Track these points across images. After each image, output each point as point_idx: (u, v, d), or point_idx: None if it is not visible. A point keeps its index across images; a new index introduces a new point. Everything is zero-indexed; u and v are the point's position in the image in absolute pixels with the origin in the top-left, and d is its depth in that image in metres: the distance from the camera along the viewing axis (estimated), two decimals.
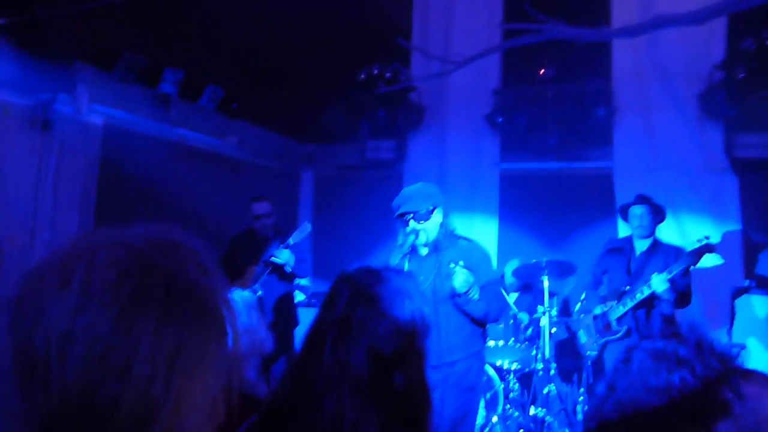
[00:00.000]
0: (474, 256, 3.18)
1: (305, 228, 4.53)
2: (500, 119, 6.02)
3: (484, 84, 6.22)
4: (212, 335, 0.65)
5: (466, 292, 3.00)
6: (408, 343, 1.36)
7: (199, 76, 5.76)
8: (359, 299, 1.37)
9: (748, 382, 1.55)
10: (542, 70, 5.86)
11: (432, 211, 3.17)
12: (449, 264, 3.03)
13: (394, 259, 3.18)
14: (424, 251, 3.19)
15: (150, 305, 0.61)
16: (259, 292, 4.45)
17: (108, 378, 0.58)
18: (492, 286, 3.18)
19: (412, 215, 3.14)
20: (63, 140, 4.80)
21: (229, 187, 6.47)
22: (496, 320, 3.22)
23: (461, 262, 3.01)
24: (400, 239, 3.18)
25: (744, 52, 5.03)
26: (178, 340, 0.61)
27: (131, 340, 0.59)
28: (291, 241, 4.44)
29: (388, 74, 6.26)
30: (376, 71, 6.36)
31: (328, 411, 1.25)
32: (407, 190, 3.31)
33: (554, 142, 5.84)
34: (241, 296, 2.47)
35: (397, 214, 3.18)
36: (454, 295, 3.06)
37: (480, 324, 3.22)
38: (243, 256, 4.72)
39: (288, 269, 4.51)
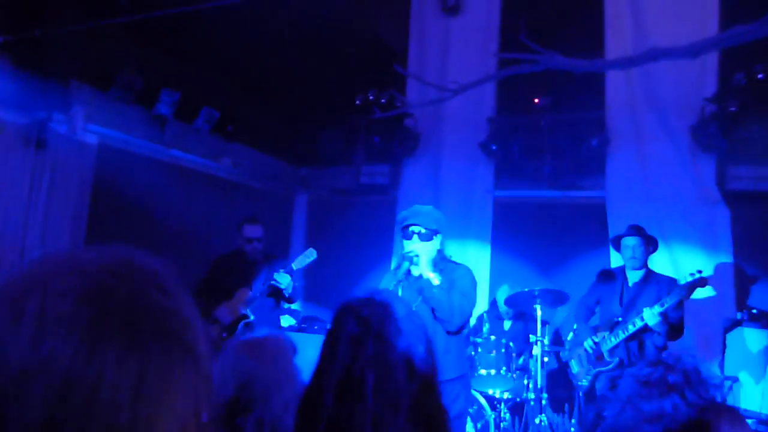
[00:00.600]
0: (457, 272, 3.26)
1: (310, 254, 4.44)
2: (494, 147, 6.05)
3: (479, 112, 6.26)
4: (177, 359, 0.62)
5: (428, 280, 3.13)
6: (428, 376, 1.35)
7: (195, 97, 5.78)
8: (384, 337, 1.35)
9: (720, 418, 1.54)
10: (537, 100, 5.91)
11: (435, 233, 3.23)
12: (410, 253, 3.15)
13: (389, 284, 3.19)
14: (416, 272, 3.20)
15: (110, 333, 0.58)
16: (251, 317, 4.40)
17: (71, 414, 0.55)
18: (464, 289, 3.20)
19: (417, 231, 3.18)
20: (57, 159, 4.79)
21: (223, 209, 6.46)
22: (457, 324, 3.17)
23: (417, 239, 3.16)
24: (395, 262, 3.21)
25: (735, 86, 5.10)
26: (142, 367, 0.58)
27: (93, 372, 0.56)
28: (294, 266, 4.35)
29: (383, 100, 6.29)
30: (372, 97, 6.39)
31: None
32: (420, 206, 3.38)
33: (548, 171, 5.87)
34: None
35: (403, 225, 3.20)
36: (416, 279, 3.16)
37: (451, 332, 3.21)
38: (229, 278, 4.63)
39: (287, 294, 4.46)
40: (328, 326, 1.44)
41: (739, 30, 3.49)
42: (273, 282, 4.33)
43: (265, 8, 5.21)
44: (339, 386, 1.30)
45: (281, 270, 4.33)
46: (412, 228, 3.20)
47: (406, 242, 3.21)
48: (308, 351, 5.53)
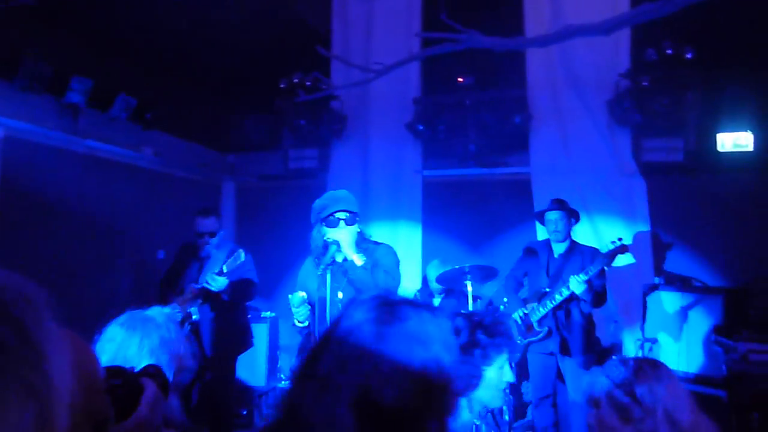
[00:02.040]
0: (378, 251, 3.30)
1: (238, 256, 4.25)
2: (421, 127, 6.09)
3: (405, 92, 6.28)
4: (14, 401, 0.56)
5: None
6: (418, 398, 1.18)
7: (109, 84, 5.50)
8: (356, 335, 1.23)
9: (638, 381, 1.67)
10: (461, 79, 5.98)
11: (357, 216, 3.26)
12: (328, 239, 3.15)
13: (308, 266, 3.18)
14: (339, 258, 3.20)
15: None
16: (195, 316, 4.26)
17: None
18: (387, 267, 3.23)
19: (343, 217, 3.18)
20: None
21: (147, 200, 6.24)
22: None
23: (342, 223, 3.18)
24: (317, 242, 3.18)
25: (647, 62, 5.31)
26: None
27: None
28: (225, 268, 4.20)
29: (308, 83, 6.20)
30: (296, 80, 6.29)
31: None
32: (335, 192, 3.37)
33: (474, 149, 5.96)
34: (160, 312, 2.33)
35: (325, 213, 3.17)
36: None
37: None
38: (184, 270, 4.54)
39: (226, 297, 4.32)
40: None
41: (648, 7, 3.63)
42: (206, 285, 4.21)
43: None
44: (320, 384, 1.20)
45: (214, 273, 4.20)
46: (337, 215, 3.18)
47: (330, 230, 3.19)
48: None
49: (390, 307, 1.23)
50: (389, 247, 3.40)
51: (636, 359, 1.77)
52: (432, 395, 1.19)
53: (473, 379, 1.92)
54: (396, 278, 3.29)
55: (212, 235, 4.56)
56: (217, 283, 4.17)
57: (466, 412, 1.97)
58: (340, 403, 1.14)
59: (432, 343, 1.20)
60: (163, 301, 4.36)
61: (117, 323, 2.00)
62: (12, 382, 0.57)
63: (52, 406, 0.59)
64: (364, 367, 1.16)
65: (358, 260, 3.19)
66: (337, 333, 1.23)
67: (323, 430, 1.14)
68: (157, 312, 2.21)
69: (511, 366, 2.14)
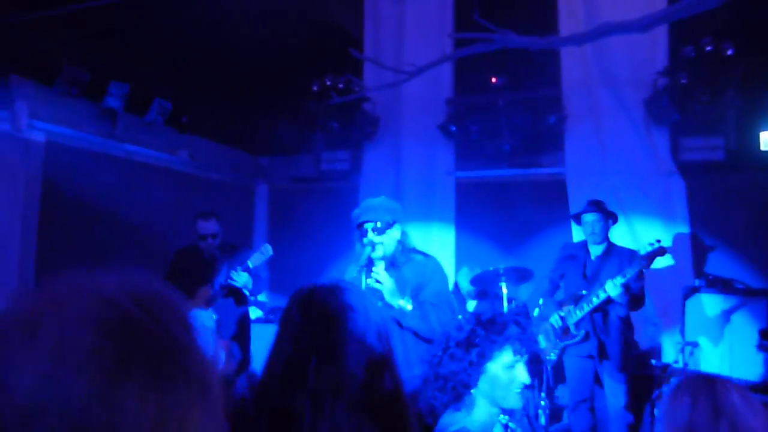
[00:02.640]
0: (427, 270, 3.13)
1: (266, 251, 4.30)
2: (454, 128, 6.05)
3: (437, 93, 6.25)
4: (195, 401, 0.57)
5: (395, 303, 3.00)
6: (377, 362, 1.34)
7: (145, 89, 5.61)
8: (327, 322, 1.34)
9: None
10: (494, 79, 5.92)
11: (391, 225, 3.11)
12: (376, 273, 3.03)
13: (351, 273, 3.14)
14: (378, 286, 3.06)
15: (135, 371, 0.52)
16: (214, 316, 4.31)
17: None
18: (437, 300, 3.06)
19: (371, 227, 3.08)
20: (1, 159, 4.59)
21: (182, 203, 6.31)
22: (435, 337, 2.96)
23: (382, 266, 3.06)
24: (357, 251, 3.14)
25: (685, 59, 5.19)
26: (161, 409, 0.53)
27: (112, 412, 0.50)
28: (250, 264, 4.23)
29: (341, 85, 6.23)
30: (329, 82, 6.31)
31: None
32: (369, 201, 3.26)
33: (507, 150, 5.90)
34: (199, 316, 2.39)
35: (356, 223, 3.14)
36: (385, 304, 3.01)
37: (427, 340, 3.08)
38: (189, 274, 4.53)
39: (246, 292, 4.38)
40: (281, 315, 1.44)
41: (686, 3, 3.55)
42: (230, 281, 4.24)
43: None
44: (284, 373, 1.30)
45: (238, 268, 4.24)
46: (365, 225, 3.09)
47: (364, 239, 3.09)
48: (264, 340, 5.49)
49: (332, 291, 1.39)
50: (436, 265, 3.22)
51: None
52: (383, 357, 1.33)
53: (469, 374, 1.99)
54: (448, 309, 3.06)
55: (214, 237, 4.61)
56: (242, 278, 4.22)
57: (482, 410, 2.02)
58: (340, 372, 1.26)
59: (372, 312, 1.37)
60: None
61: None
62: (195, 384, 0.58)
63: (217, 401, 0.60)
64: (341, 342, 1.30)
65: (407, 305, 3.00)
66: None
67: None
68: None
69: (544, 371, 2.20)
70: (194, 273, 4.51)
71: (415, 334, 3.03)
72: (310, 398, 1.24)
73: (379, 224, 3.09)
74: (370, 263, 3.09)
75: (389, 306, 2.99)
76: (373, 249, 3.07)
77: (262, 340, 5.95)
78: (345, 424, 1.23)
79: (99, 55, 5.25)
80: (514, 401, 2.04)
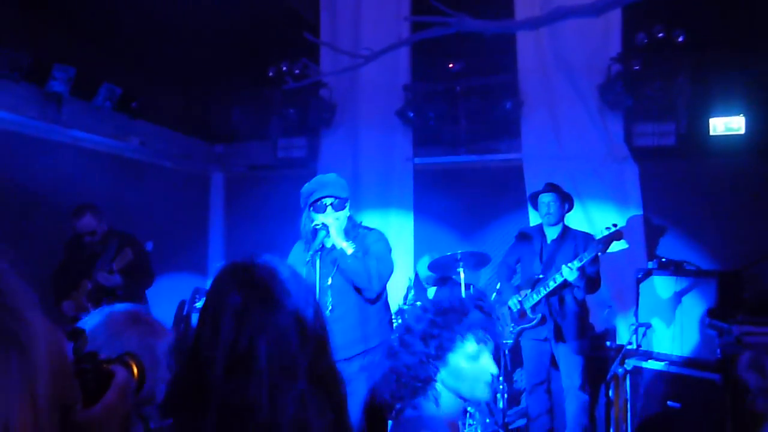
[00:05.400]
0: (369, 237, 3.25)
1: (126, 255, 4.32)
2: (411, 114, 6.02)
3: (395, 79, 6.21)
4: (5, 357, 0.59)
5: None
6: (320, 339, 1.28)
7: (93, 73, 5.40)
8: (272, 301, 1.25)
9: None
10: (451, 65, 5.91)
11: (346, 201, 3.21)
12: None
13: (303, 257, 3.11)
14: (329, 243, 3.16)
15: None
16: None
17: None
18: (379, 257, 3.18)
19: (330, 202, 3.12)
20: None
21: (134, 191, 6.12)
22: (376, 290, 3.18)
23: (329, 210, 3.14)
24: (306, 227, 3.13)
25: (638, 46, 5.26)
26: None
27: None
28: (114, 266, 4.28)
29: (297, 70, 6.13)
30: (284, 67, 6.21)
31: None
32: (323, 177, 3.33)
33: (464, 136, 5.91)
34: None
35: (313, 199, 3.11)
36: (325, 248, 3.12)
37: (371, 299, 3.22)
38: (74, 266, 4.50)
39: (120, 292, 4.33)
40: (209, 296, 1.31)
41: None
42: (100, 282, 4.27)
43: None
44: (228, 361, 1.19)
45: (106, 271, 4.25)
46: (324, 200, 3.14)
47: (318, 215, 3.14)
48: None
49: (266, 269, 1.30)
50: (380, 233, 3.35)
51: None
52: (315, 329, 1.26)
53: (428, 368, 1.85)
54: (388, 266, 3.24)
55: (93, 234, 4.49)
56: (111, 281, 4.28)
57: (447, 402, 1.88)
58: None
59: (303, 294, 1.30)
60: (57, 296, 4.37)
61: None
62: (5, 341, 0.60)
63: (34, 356, 0.63)
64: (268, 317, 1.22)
65: (349, 248, 3.12)
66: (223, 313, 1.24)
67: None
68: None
69: (501, 355, 2.09)
70: (79, 265, 4.47)
71: (358, 291, 3.09)
72: (266, 383, 1.17)
73: (336, 200, 3.15)
74: (323, 247, 3.07)
75: (332, 247, 3.13)
76: (327, 233, 3.07)
77: None
78: (303, 406, 1.18)
79: (41, 36, 5.03)
80: (481, 393, 1.89)
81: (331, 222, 3.11)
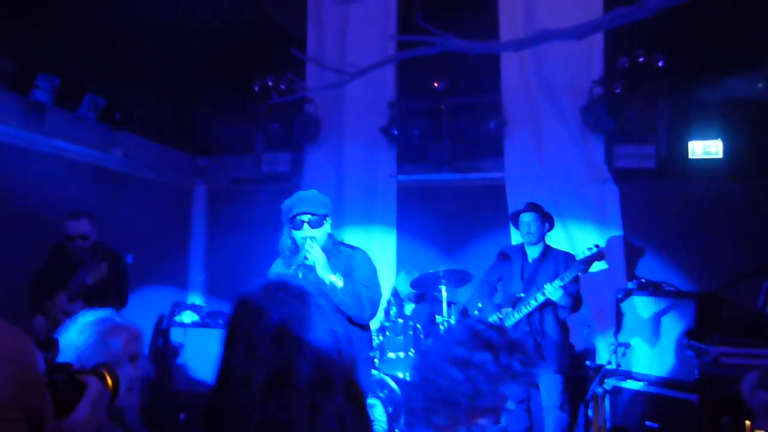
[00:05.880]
0: (355, 259, 3.20)
1: (101, 270, 4.27)
2: (396, 131, 6.06)
3: (380, 97, 6.25)
4: None
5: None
6: (344, 352, 1.28)
7: (77, 83, 5.36)
8: (307, 318, 1.26)
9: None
10: (436, 84, 5.96)
11: (325, 218, 3.17)
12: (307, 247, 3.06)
13: (277, 267, 3.11)
14: (310, 261, 3.11)
15: None
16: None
17: None
18: (368, 282, 3.13)
19: (307, 219, 3.10)
20: None
21: (116, 203, 6.07)
22: (369, 317, 3.14)
23: (315, 240, 3.08)
24: (285, 243, 3.12)
25: (619, 69, 5.37)
26: None
27: None
28: (89, 281, 4.24)
29: (282, 85, 6.15)
30: (270, 82, 6.23)
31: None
32: (303, 193, 3.29)
33: (448, 154, 5.96)
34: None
35: (290, 215, 3.10)
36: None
37: (363, 324, 3.19)
38: (56, 274, 4.42)
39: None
40: (241, 317, 1.28)
41: (621, 12, 3.66)
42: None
43: None
44: (267, 380, 1.19)
45: (79, 288, 4.24)
46: (300, 217, 3.10)
47: (296, 232, 3.11)
48: (212, 345, 5.37)
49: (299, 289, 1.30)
50: (364, 254, 3.30)
51: None
52: (343, 356, 1.26)
53: (498, 404, 1.68)
54: (377, 290, 3.17)
55: (85, 238, 4.43)
56: (71, 310, 4.14)
57: None
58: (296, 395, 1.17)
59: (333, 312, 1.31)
60: (36, 306, 4.30)
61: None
62: None
63: None
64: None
65: (338, 281, 3.04)
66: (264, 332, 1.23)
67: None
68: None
69: None
70: (58, 274, 4.39)
71: (349, 319, 3.04)
72: (306, 402, 1.17)
73: (313, 217, 3.11)
74: (306, 263, 3.05)
75: (321, 281, 3.03)
76: (311, 249, 3.04)
77: (198, 346, 5.79)
78: (343, 423, 1.19)
79: (26, 44, 4.99)
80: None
81: (317, 255, 3.04)
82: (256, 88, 6.27)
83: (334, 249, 3.19)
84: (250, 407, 1.17)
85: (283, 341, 1.21)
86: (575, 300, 4.41)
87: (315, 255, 3.04)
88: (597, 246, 4.32)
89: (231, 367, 1.24)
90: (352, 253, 3.25)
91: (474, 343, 1.71)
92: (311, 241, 3.06)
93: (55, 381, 1.11)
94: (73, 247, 4.42)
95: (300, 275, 2.98)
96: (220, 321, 5.93)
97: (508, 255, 4.77)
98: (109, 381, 1.25)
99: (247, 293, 1.33)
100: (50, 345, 1.16)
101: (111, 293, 4.35)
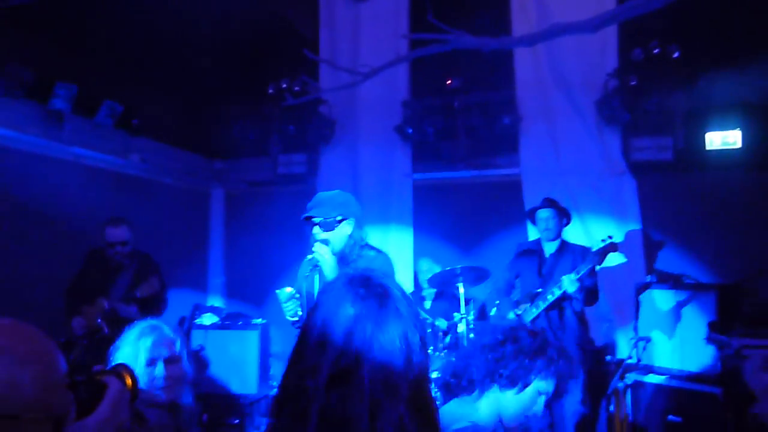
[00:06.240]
0: (374, 265, 3.04)
1: (152, 285, 4.34)
2: (410, 130, 6.06)
3: (393, 95, 6.25)
4: None
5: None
6: (415, 361, 1.26)
7: (94, 90, 5.44)
8: (368, 313, 1.26)
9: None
10: (449, 81, 5.96)
11: (339, 222, 3.04)
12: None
13: (304, 271, 3.09)
14: (316, 262, 3.01)
15: None
16: (105, 330, 4.15)
17: None
18: None
19: (318, 221, 3.03)
20: None
21: (135, 208, 6.12)
22: None
23: (328, 242, 3.01)
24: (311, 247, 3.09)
25: (634, 61, 5.32)
26: None
27: None
28: (138, 294, 4.29)
29: (296, 87, 6.18)
30: (284, 84, 6.26)
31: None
32: (320, 195, 3.17)
33: (463, 151, 5.94)
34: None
35: (303, 216, 3.08)
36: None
37: None
38: (93, 280, 4.44)
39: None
40: (316, 306, 1.31)
41: (634, 2, 3.63)
42: (117, 309, 4.25)
43: None
44: (333, 372, 1.20)
45: (124, 303, 4.26)
46: (314, 220, 3.03)
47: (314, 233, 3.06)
48: (232, 347, 5.41)
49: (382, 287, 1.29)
50: (385, 260, 3.14)
51: None
52: (413, 365, 1.24)
53: (519, 376, 1.95)
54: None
55: (124, 244, 4.46)
56: (128, 312, 4.22)
57: (486, 410, 1.99)
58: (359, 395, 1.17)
59: (412, 318, 1.29)
60: (73, 309, 4.30)
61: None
62: None
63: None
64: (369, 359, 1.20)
65: None
66: (336, 331, 1.23)
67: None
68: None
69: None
70: (99, 280, 4.41)
71: None
72: (366, 402, 1.17)
73: (324, 220, 3.01)
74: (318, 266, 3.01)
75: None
76: (323, 253, 2.99)
77: (219, 347, 5.82)
78: (402, 430, 1.18)
79: (44, 54, 5.07)
80: (515, 422, 2.00)
81: (326, 259, 2.96)
82: (271, 91, 6.32)
83: (356, 252, 3.06)
84: (314, 395, 1.18)
85: (354, 337, 1.21)
86: (592, 292, 4.39)
87: (322, 256, 2.96)
88: (610, 237, 4.29)
89: (304, 351, 1.25)
90: (375, 257, 3.11)
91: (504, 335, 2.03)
92: (320, 243, 2.99)
93: (77, 382, 1.14)
94: (113, 253, 4.45)
95: (315, 276, 2.98)
96: (240, 323, 5.98)
97: (525, 251, 4.76)
98: (129, 381, 1.28)
99: (333, 282, 1.37)
100: (72, 346, 1.19)
101: (156, 308, 4.42)
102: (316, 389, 1.18)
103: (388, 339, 1.22)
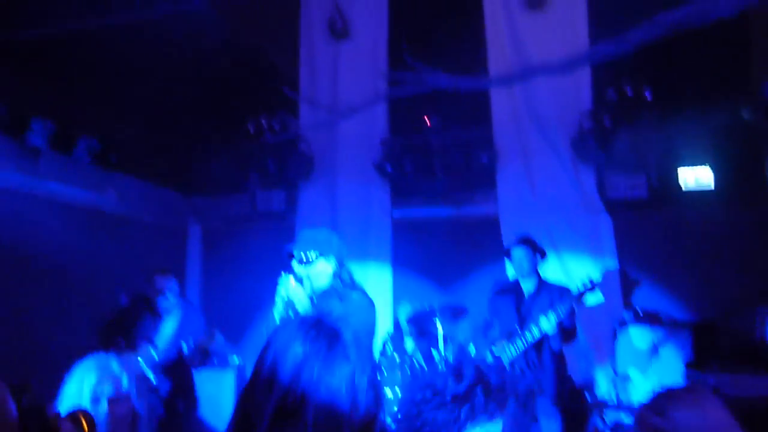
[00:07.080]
0: (351, 305, 2.96)
1: (212, 335, 4.77)
2: (389, 167, 6.10)
3: (372, 133, 6.30)
4: None
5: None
6: (360, 405, 1.29)
7: (71, 126, 5.41)
8: (316, 354, 1.30)
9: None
10: (427, 119, 6.03)
11: (314, 258, 3.00)
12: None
13: (277, 311, 3.05)
14: (286, 297, 2.99)
15: None
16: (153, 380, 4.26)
17: None
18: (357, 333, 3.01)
19: (296, 258, 3.02)
20: None
21: (110, 245, 6.06)
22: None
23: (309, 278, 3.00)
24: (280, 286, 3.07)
25: (608, 101, 5.43)
26: None
27: None
28: (156, 357, 4.37)
29: (276, 124, 6.21)
30: (264, 121, 6.29)
31: None
32: (305, 231, 3.25)
33: (441, 189, 5.98)
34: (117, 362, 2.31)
35: (284, 252, 3.07)
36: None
37: None
38: (139, 321, 4.63)
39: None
40: (268, 345, 1.33)
41: (603, 47, 3.74)
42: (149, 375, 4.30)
43: (147, 30, 5.01)
44: (277, 409, 1.22)
45: (155, 373, 4.34)
46: (292, 255, 3.02)
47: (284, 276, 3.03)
48: (208, 386, 5.31)
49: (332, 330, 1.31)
50: (368, 304, 3.01)
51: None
52: (358, 409, 1.26)
53: (453, 427, 1.95)
54: (365, 348, 2.85)
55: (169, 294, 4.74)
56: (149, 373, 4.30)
57: None
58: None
59: (361, 363, 1.32)
60: (109, 343, 4.32)
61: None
62: None
63: None
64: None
65: None
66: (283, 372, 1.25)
67: None
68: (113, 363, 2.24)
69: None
70: (138, 321, 4.61)
71: None
72: None
73: (301, 255, 3.00)
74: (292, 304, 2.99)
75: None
76: (292, 299, 2.97)
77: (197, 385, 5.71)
78: None
79: (19, 90, 5.05)
80: None
81: (296, 293, 2.95)
82: (250, 127, 6.33)
83: (342, 290, 3.00)
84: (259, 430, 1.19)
85: (300, 376, 1.24)
86: (570, 332, 4.38)
87: (292, 291, 2.96)
88: (591, 281, 4.30)
89: (253, 389, 1.28)
90: (353, 300, 2.99)
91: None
92: (291, 276, 2.98)
93: (27, 427, 1.11)
94: (161, 299, 4.72)
95: (281, 310, 2.95)
96: (215, 360, 5.87)
97: (503, 290, 4.75)
98: (85, 426, 1.25)
99: (286, 322, 1.41)
100: (25, 389, 1.16)
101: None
102: (261, 427, 1.19)
103: (334, 382, 1.24)
